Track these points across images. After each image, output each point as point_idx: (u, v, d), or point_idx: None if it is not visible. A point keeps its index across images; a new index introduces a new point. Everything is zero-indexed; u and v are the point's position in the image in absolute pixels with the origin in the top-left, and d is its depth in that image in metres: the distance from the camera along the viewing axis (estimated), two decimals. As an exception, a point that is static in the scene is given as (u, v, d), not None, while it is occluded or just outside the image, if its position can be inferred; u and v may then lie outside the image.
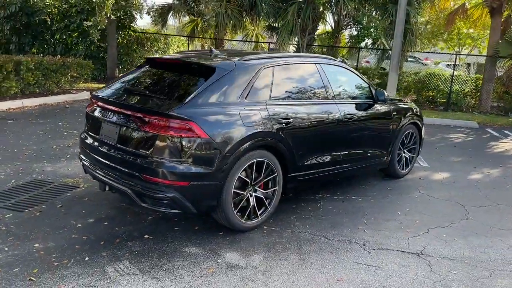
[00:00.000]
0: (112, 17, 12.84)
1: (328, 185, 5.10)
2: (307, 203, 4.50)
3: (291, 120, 3.87)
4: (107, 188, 3.63)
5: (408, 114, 5.49)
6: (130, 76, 4.09)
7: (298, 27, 12.97)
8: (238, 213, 3.58)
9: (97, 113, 3.79)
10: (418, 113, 5.73)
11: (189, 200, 3.27)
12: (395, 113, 5.25)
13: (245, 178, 3.58)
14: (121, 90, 3.83)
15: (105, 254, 3.18)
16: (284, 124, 3.79)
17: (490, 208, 4.73)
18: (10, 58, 9.57)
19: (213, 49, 4.18)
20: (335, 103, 4.44)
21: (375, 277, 3.08)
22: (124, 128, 3.42)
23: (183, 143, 3.18)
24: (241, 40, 18.40)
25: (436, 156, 7.12)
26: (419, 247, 3.62)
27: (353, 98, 4.83)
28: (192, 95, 3.35)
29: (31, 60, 9.90)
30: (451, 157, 7.20)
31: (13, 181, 4.60)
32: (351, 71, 4.97)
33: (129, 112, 3.41)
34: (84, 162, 3.91)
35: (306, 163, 4.11)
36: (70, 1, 14.60)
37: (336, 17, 14.57)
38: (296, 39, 13.31)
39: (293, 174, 4.01)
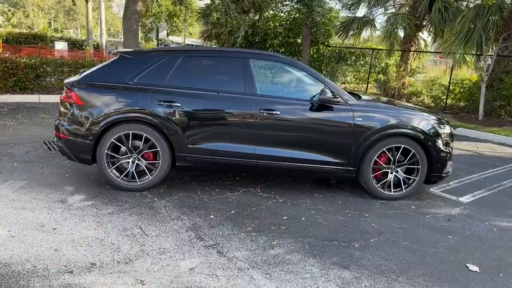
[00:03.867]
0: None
1: (278, 185, 4.99)
2: (219, 186, 4.69)
3: (178, 104, 4.31)
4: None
5: (392, 123, 4.56)
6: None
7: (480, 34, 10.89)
8: (116, 173, 4.38)
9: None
10: (420, 127, 4.60)
11: (70, 150, 4.38)
12: (360, 119, 4.53)
13: (119, 144, 4.34)
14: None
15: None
16: (169, 107, 4.29)
17: None
18: None
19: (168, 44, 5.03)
20: (251, 97, 4.44)
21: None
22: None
23: (68, 106, 4.34)
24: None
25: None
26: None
27: (288, 96, 4.59)
28: (87, 72, 4.45)
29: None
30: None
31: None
32: (302, 70, 4.68)
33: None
34: None
35: (201, 147, 4.40)
36: (281, 22, 17.04)
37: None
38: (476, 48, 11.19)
39: (181, 154, 4.41)
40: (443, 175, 4.82)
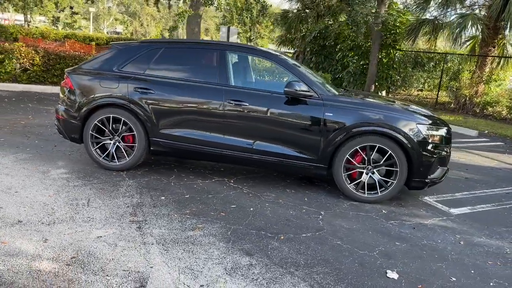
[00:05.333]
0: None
1: (256, 178, 5.00)
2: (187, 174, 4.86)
3: (152, 91, 4.60)
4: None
5: (366, 120, 4.31)
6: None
7: None
8: (100, 152, 4.81)
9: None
10: (398, 126, 4.26)
11: (64, 129, 4.92)
12: (330, 114, 4.36)
13: (102, 127, 4.76)
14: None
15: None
16: (144, 94, 4.60)
17: None
18: None
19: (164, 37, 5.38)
20: (222, 87, 4.54)
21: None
22: None
23: (64, 90, 4.89)
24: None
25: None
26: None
27: (260, 88, 4.58)
28: (84, 61, 4.95)
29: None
30: None
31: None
32: (278, 63, 4.64)
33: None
34: None
35: (172, 133, 4.63)
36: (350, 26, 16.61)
37: None
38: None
39: (154, 139, 4.68)
40: (427, 181, 4.39)
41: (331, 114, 4.36)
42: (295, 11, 19.23)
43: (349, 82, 16.51)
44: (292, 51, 21.10)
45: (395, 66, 15.62)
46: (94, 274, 2.68)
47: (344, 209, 4.25)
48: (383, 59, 15.22)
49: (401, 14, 14.90)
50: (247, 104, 4.45)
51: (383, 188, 4.41)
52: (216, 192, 4.40)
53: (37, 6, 18.07)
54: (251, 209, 4.03)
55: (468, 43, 14.86)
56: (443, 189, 5.19)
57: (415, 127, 4.29)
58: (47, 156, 5.14)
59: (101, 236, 3.20)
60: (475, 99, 12.69)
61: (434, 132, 4.40)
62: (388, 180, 4.40)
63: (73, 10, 16.76)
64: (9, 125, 6.56)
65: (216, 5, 12.13)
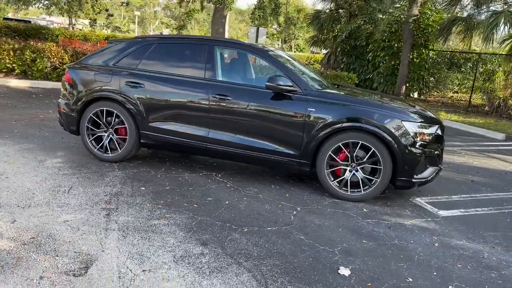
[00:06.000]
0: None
1: (244, 173, 5.02)
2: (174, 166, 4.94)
3: (142, 85, 4.75)
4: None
5: (349, 116, 4.22)
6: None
7: None
8: (95, 144, 5.00)
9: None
10: (380, 122, 4.15)
11: (64, 122, 5.17)
12: (313, 109, 4.30)
13: (97, 119, 4.95)
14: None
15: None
16: (134, 88, 4.76)
17: None
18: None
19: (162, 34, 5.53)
20: (208, 82, 4.60)
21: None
22: None
23: (65, 85, 5.14)
24: None
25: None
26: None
27: (245, 83, 4.60)
28: (84, 57, 5.19)
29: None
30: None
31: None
32: (264, 58, 4.62)
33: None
34: None
35: (160, 126, 4.74)
36: (384, 25, 16.19)
37: None
38: None
39: (144, 132, 4.82)
40: (414, 180, 4.23)
41: (313, 110, 4.30)
42: (327, 11, 19.02)
43: (380, 83, 16.11)
44: (324, 51, 20.86)
45: (427, 66, 15.05)
46: (45, 254, 2.82)
47: (324, 206, 4.18)
48: (415, 59, 14.72)
49: (435, 13, 14.35)
50: (231, 99, 4.48)
51: (367, 187, 4.29)
52: (198, 185, 4.46)
53: (81, 10, 19.01)
54: (227, 202, 4.06)
55: (507, 42, 14.06)
56: (440, 190, 4.98)
57: (400, 123, 4.15)
58: (50, 147, 5.41)
59: (67, 221, 3.34)
60: (510, 101, 11.97)
61: (423, 130, 4.23)
62: (373, 178, 4.27)
63: (108, 12, 17.47)
64: (28, 118, 6.96)
65: (227, 6, 12.18)
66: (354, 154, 4.28)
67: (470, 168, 6.26)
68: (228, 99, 4.48)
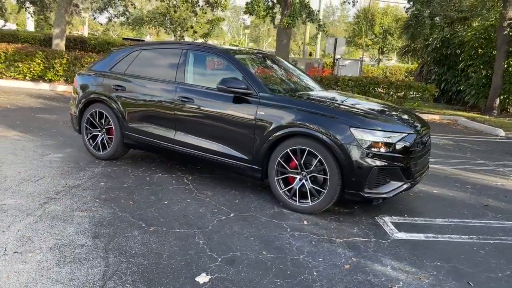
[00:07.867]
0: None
1: (218, 179, 5.00)
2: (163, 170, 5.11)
3: (124, 88, 5.09)
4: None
5: (295, 121, 3.94)
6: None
7: None
8: (92, 142, 5.50)
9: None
10: (327, 128, 3.78)
11: (72, 122, 5.79)
12: (262, 113, 4.12)
13: (94, 121, 5.43)
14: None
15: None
16: (117, 91, 5.12)
17: None
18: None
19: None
20: (176, 85, 4.73)
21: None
22: None
23: (74, 89, 5.77)
24: None
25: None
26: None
27: (208, 85, 4.57)
28: (91, 64, 5.77)
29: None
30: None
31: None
32: (229, 61, 4.55)
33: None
34: None
35: (136, 127, 5.01)
36: (477, 32, 14.44)
37: None
38: None
39: (125, 132, 5.14)
40: (364, 195, 3.73)
41: (263, 113, 4.12)
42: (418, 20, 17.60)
43: (471, 95, 14.35)
44: (416, 62, 19.33)
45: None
46: (-48, 228, 3.22)
47: (263, 215, 3.95)
48: (510, 69, 12.76)
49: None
50: (194, 101, 4.53)
51: (316, 198, 3.92)
52: (157, 185, 4.58)
53: (183, 29, 20.86)
54: (166, 202, 4.10)
55: None
56: (428, 212, 4.35)
57: (347, 130, 3.72)
58: (64, 144, 6.08)
59: (5, 204, 3.74)
60: None
61: (381, 139, 3.73)
62: (321, 189, 3.89)
63: (193, 29, 18.74)
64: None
65: (255, 14, 12.03)
66: (303, 162, 3.95)
67: (500, 191, 5.23)
68: (191, 102, 4.54)
